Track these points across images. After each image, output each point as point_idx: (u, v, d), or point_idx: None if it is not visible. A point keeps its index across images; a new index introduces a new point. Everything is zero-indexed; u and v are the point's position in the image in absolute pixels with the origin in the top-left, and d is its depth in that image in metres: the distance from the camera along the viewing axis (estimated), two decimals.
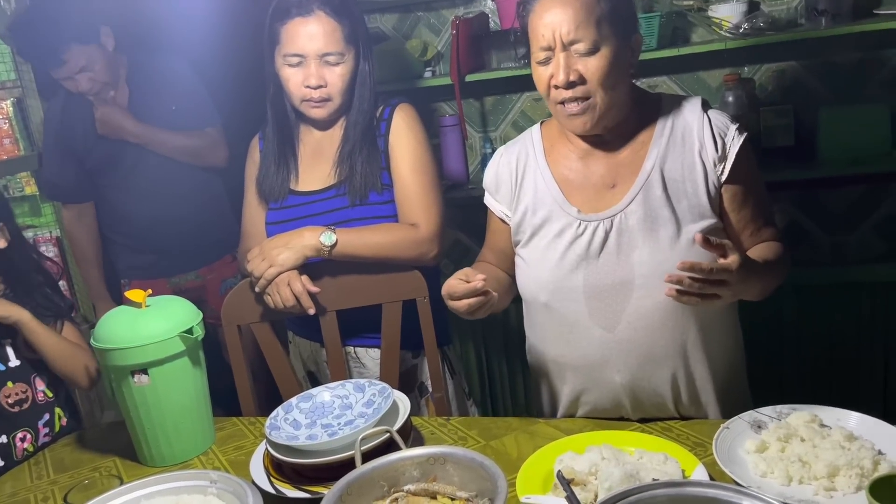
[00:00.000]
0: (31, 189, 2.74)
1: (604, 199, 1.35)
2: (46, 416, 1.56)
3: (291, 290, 1.53)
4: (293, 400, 1.39)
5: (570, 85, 1.27)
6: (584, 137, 1.38)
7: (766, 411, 1.22)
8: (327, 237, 1.53)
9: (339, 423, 1.34)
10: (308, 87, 1.56)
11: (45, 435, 1.56)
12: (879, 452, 1.08)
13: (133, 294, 1.41)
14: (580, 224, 1.34)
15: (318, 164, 1.64)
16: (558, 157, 1.41)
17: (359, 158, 1.59)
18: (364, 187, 1.58)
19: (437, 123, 2.41)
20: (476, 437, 1.35)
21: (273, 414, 1.34)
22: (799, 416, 1.18)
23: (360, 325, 1.65)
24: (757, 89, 2.25)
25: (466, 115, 2.45)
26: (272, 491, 1.23)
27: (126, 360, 1.36)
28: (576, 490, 1.08)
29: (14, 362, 1.56)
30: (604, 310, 1.33)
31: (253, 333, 1.64)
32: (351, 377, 1.64)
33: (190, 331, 1.39)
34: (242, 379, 1.63)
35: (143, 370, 1.37)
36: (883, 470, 1.03)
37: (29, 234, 2.46)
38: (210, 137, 2.21)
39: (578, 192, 1.37)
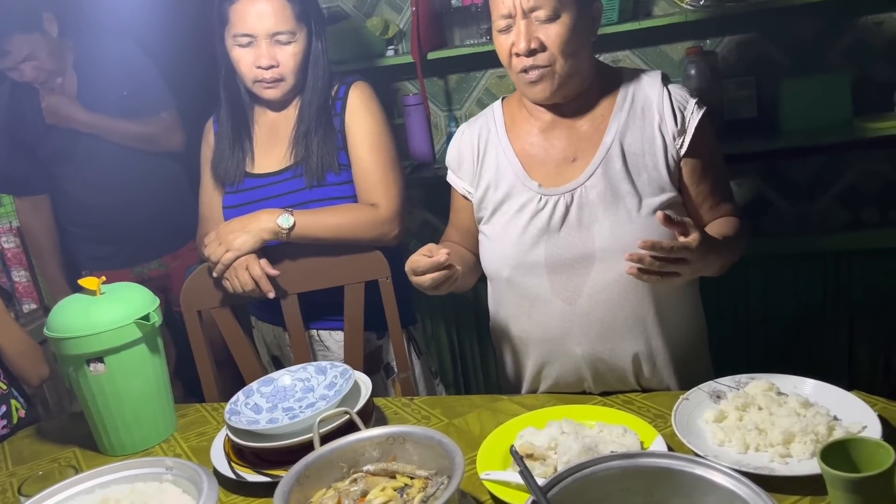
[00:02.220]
0: None
1: (564, 173, 1.35)
2: (3, 409, 1.54)
3: (250, 273, 1.51)
4: (254, 384, 1.37)
5: (530, 52, 1.27)
6: (545, 110, 1.37)
7: (726, 381, 1.23)
8: (285, 220, 1.51)
9: (300, 407, 1.33)
10: (259, 67, 1.53)
11: (3, 427, 1.53)
12: (835, 418, 1.09)
13: (87, 281, 1.38)
14: (541, 198, 1.34)
15: (273, 145, 1.62)
16: (519, 132, 1.41)
17: (314, 139, 1.56)
18: (321, 168, 1.56)
19: (401, 103, 2.39)
20: (439, 416, 1.35)
21: (233, 399, 1.32)
22: (757, 385, 1.19)
23: (323, 307, 1.63)
24: (719, 62, 2.25)
25: (430, 93, 2.43)
26: (232, 476, 1.22)
27: (81, 349, 1.33)
28: (535, 465, 1.09)
29: None
30: (565, 283, 1.33)
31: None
32: (315, 360, 1.63)
33: (146, 317, 1.37)
34: (204, 365, 1.61)
35: (99, 358, 1.34)
36: (837, 435, 1.04)
37: None
38: (164, 122, 2.16)
39: (539, 166, 1.37)
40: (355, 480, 1.07)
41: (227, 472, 1.22)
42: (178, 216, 2.21)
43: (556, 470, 1.06)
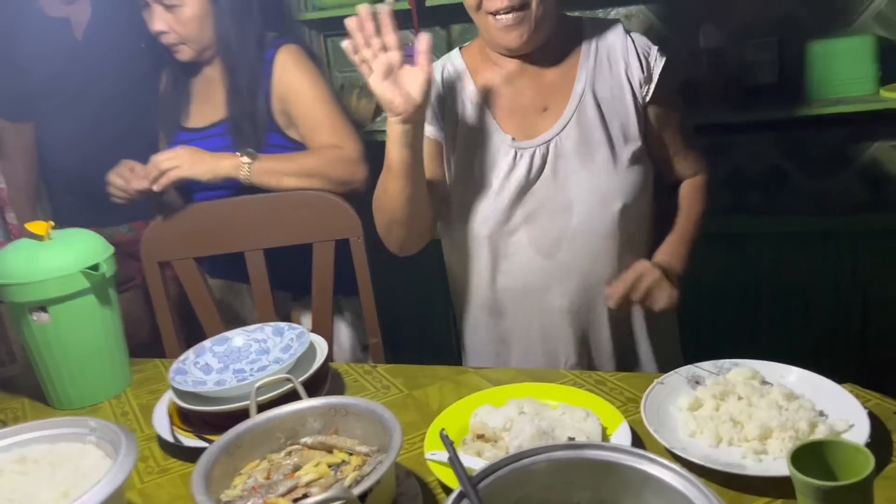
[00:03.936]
0: None
1: (536, 124, 1.29)
2: None
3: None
4: (207, 342, 1.30)
5: None
6: (510, 59, 1.30)
7: (706, 366, 1.12)
8: (247, 158, 1.47)
9: (252, 369, 1.26)
10: (156, 31, 1.51)
11: None
12: (820, 413, 0.99)
13: (35, 226, 1.31)
14: (516, 153, 1.28)
15: (206, 100, 1.58)
16: (483, 81, 1.33)
17: (237, 101, 1.53)
18: (252, 131, 1.52)
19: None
20: (400, 387, 1.26)
21: (182, 357, 1.25)
22: (739, 372, 1.08)
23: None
24: (743, 21, 2.09)
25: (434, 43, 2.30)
26: (171, 440, 1.15)
27: (24, 297, 1.26)
28: (485, 447, 1.00)
29: None
30: (543, 236, 1.30)
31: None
32: None
33: (95, 267, 1.29)
34: (164, 318, 1.54)
35: (43, 308, 1.27)
36: (820, 433, 0.94)
37: None
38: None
39: (509, 117, 1.31)
40: (290, 453, 0.99)
41: (167, 435, 1.15)
42: None
43: (507, 453, 0.97)
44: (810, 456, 0.78)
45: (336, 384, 1.28)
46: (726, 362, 1.12)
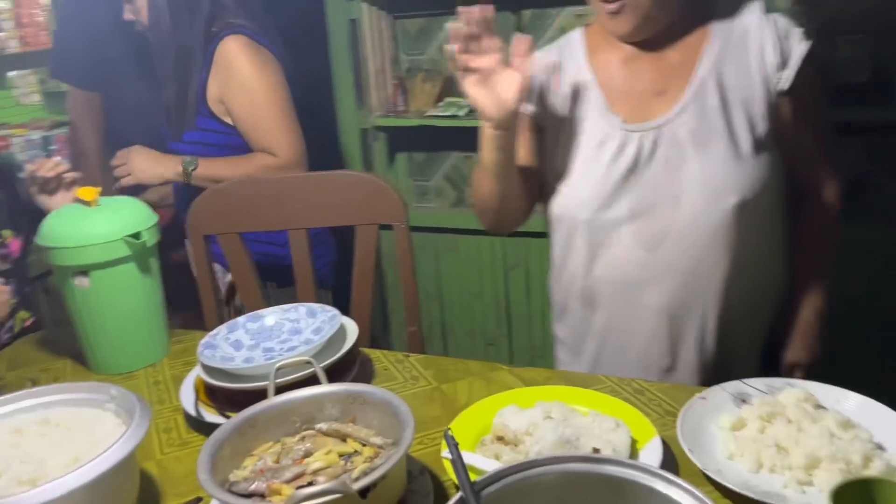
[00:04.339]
0: None
1: (650, 107, 1.21)
2: (10, 324, 1.52)
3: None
4: (241, 318, 1.29)
5: None
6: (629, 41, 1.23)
7: (756, 383, 1.04)
8: (189, 163, 1.59)
9: (281, 349, 1.23)
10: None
11: (6, 332, 1.52)
12: (878, 447, 0.89)
13: (84, 192, 1.32)
14: (625, 135, 1.20)
15: None
16: (600, 62, 1.26)
17: (171, 87, 1.62)
18: (179, 115, 1.62)
19: None
20: (429, 378, 1.22)
21: (214, 331, 1.24)
22: (791, 394, 0.99)
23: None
24: (835, 13, 1.94)
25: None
26: (194, 413, 1.14)
27: (66, 261, 1.28)
28: (504, 450, 0.95)
29: None
30: (647, 229, 1.20)
31: None
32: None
33: (137, 235, 1.29)
34: (206, 291, 1.54)
35: (84, 272, 1.28)
36: (875, 468, 0.85)
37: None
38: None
39: (623, 99, 1.23)
40: (304, 438, 0.96)
41: (190, 409, 1.15)
42: None
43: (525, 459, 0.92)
44: (858, 494, 0.69)
45: (365, 371, 1.25)
46: (778, 381, 1.03)
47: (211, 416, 1.12)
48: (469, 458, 0.94)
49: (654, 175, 1.19)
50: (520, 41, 1.12)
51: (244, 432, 0.95)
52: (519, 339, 2.59)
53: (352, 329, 1.23)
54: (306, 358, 1.06)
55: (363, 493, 0.79)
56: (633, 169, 1.20)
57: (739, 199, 1.16)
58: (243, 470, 0.91)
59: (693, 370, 1.27)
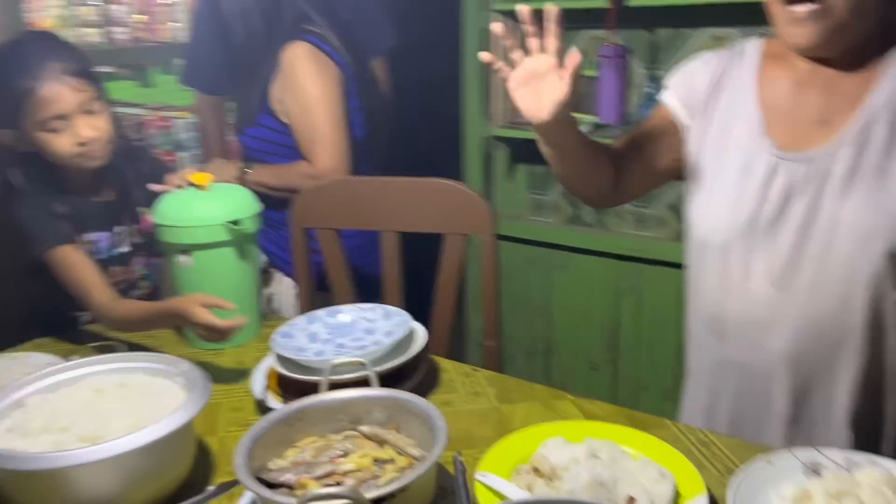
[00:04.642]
0: None
1: (809, 137, 1.11)
2: (136, 293, 1.65)
3: None
4: (321, 311, 1.33)
5: None
6: (805, 59, 1.13)
7: (833, 454, 0.94)
8: (245, 169, 1.71)
9: (353, 346, 1.26)
10: None
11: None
12: None
13: (197, 177, 1.42)
14: (775, 162, 1.12)
15: None
16: (767, 78, 1.17)
17: (240, 90, 1.74)
18: (243, 118, 1.76)
19: (597, 52, 2.16)
20: (490, 397, 1.21)
21: (292, 321, 1.30)
22: (871, 473, 0.89)
23: None
24: None
25: (633, 45, 2.17)
26: (260, 398, 1.19)
27: (173, 238, 1.38)
28: (538, 482, 0.92)
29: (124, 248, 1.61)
30: (783, 265, 1.11)
31: None
32: None
33: (237, 222, 1.37)
34: (304, 281, 1.61)
35: (187, 251, 1.38)
36: None
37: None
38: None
39: (781, 123, 1.14)
40: (346, 438, 0.98)
41: (257, 393, 1.20)
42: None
43: (557, 495, 0.89)
44: None
45: (429, 379, 1.25)
46: (859, 456, 0.93)
47: (275, 402, 1.17)
48: (499, 484, 0.92)
49: (798, 209, 1.10)
50: (573, 55, 1.05)
51: (291, 423, 0.98)
52: (625, 367, 2.49)
53: (420, 336, 1.24)
54: (361, 359, 1.08)
55: (377, 502, 0.79)
56: (777, 199, 1.11)
57: (891, 247, 1.05)
58: (283, 459, 0.95)
59: (820, 429, 1.16)
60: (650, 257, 2.27)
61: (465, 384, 1.25)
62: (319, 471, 0.91)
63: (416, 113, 2.48)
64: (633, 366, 2.45)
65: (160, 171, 1.61)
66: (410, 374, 1.19)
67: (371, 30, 2.21)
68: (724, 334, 1.20)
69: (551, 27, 1.05)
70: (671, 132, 1.25)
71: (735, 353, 1.19)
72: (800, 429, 1.15)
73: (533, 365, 2.66)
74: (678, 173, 1.26)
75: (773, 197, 1.11)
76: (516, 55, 1.08)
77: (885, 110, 1.06)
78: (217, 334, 1.23)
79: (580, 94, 1.09)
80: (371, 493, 0.78)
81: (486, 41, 2.29)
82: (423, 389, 1.21)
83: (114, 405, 1.02)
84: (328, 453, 0.94)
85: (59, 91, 1.39)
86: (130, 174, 1.55)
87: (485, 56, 1.10)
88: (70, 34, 3.13)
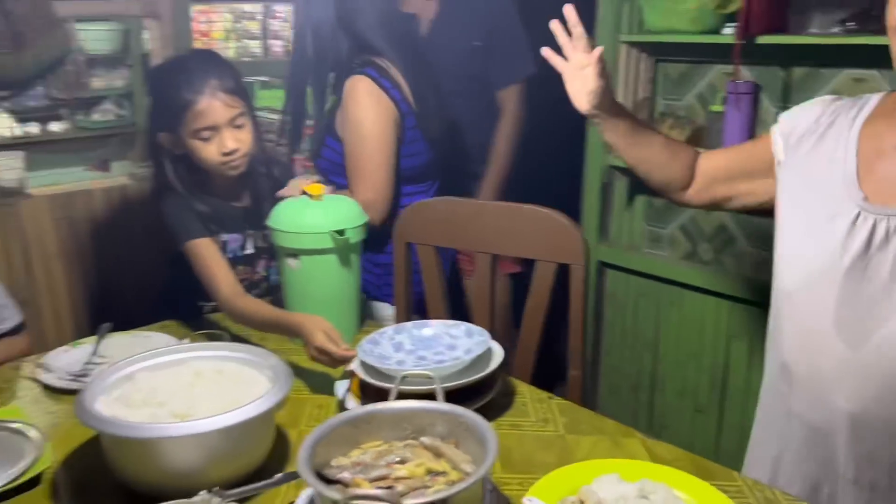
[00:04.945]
0: None
1: None
2: (255, 291, 1.79)
3: None
4: (409, 324, 1.40)
5: None
6: None
7: None
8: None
9: (433, 359, 1.32)
10: None
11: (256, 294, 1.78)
12: None
13: (312, 187, 1.53)
14: (860, 214, 1.10)
15: None
16: (873, 131, 1.15)
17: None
18: (314, 144, 1.87)
19: (726, 88, 2.10)
20: (558, 426, 1.22)
21: (382, 330, 1.37)
22: None
23: None
24: None
25: (765, 82, 2.09)
26: (340, 398, 1.27)
27: (283, 243, 1.50)
28: None
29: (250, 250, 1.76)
30: (854, 323, 1.09)
31: None
32: None
33: (342, 231, 1.47)
34: (401, 292, 1.68)
35: (295, 255, 1.49)
36: None
37: None
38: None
39: (875, 177, 1.12)
40: (407, 446, 1.04)
41: (339, 393, 1.28)
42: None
43: None
44: None
45: (501, 401, 1.28)
46: None
47: (353, 405, 1.24)
48: None
49: (879, 266, 1.07)
50: (595, 50, 1.25)
51: (358, 425, 1.04)
52: (732, 413, 2.39)
53: (496, 357, 1.27)
54: (429, 372, 1.13)
55: None
56: (857, 252, 1.09)
57: None
58: (347, 458, 1.01)
59: (887, 495, 1.11)
60: (763, 301, 2.17)
61: (538, 410, 1.27)
62: (374, 473, 0.96)
63: (542, 139, 2.52)
64: (739, 412, 2.34)
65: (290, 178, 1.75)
66: (482, 393, 1.22)
67: (510, 58, 2.25)
68: (793, 385, 1.18)
69: (575, 26, 1.25)
70: (762, 160, 1.28)
71: (800, 407, 1.16)
72: (869, 494, 1.10)
73: (637, 400, 2.61)
74: (747, 201, 1.32)
75: (853, 249, 1.08)
76: (567, 51, 1.27)
77: None
78: (327, 360, 1.30)
79: (612, 87, 1.29)
80: (410, 501, 0.83)
81: (615, 71, 2.28)
82: (495, 410, 1.25)
83: (207, 388, 1.13)
84: (387, 458, 1.00)
85: (212, 105, 1.55)
86: (266, 185, 1.69)
87: (545, 52, 1.28)
88: (235, 45, 3.45)
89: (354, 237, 1.50)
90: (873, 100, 1.19)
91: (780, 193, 1.22)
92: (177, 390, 1.11)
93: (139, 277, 2.48)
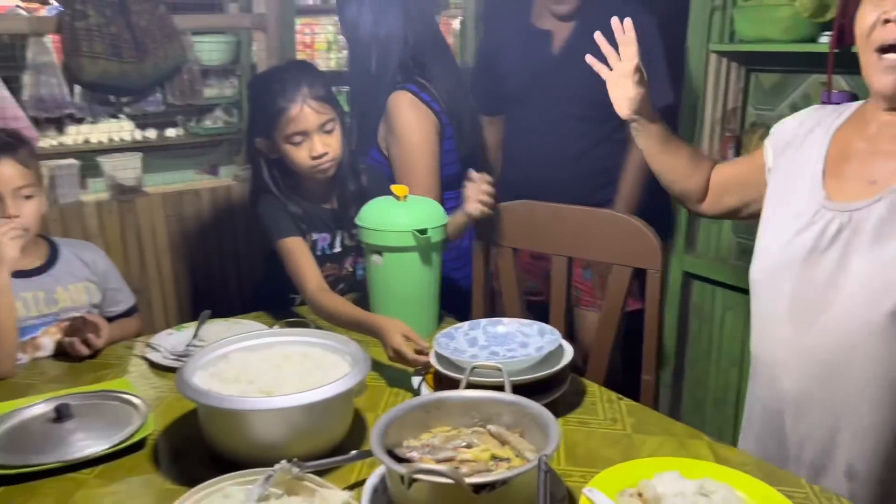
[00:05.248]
0: None
1: (856, 192, 1.16)
2: (341, 286, 1.88)
3: None
4: (483, 321, 1.45)
5: None
6: (886, 111, 1.17)
7: None
8: None
9: (505, 355, 1.36)
10: None
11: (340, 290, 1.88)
12: None
13: (397, 188, 1.61)
14: (819, 211, 1.19)
15: None
16: (843, 135, 1.23)
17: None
18: (359, 144, 1.94)
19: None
20: (626, 425, 1.24)
21: (457, 325, 1.43)
22: None
23: None
24: None
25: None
26: (414, 387, 1.34)
27: (368, 239, 1.58)
28: None
29: (337, 249, 1.85)
30: (804, 310, 1.19)
31: None
32: None
33: (423, 231, 1.54)
34: (478, 291, 1.74)
35: (379, 252, 1.57)
36: None
37: None
38: None
39: (838, 177, 1.21)
40: (474, 432, 1.09)
41: (415, 383, 1.35)
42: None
43: None
44: None
45: (571, 398, 1.31)
46: None
47: (427, 391, 1.31)
48: (602, 500, 0.97)
49: (827, 258, 1.16)
50: (633, 62, 1.34)
51: (429, 410, 1.11)
52: None
53: (567, 354, 1.31)
54: (498, 364, 1.17)
55: (477, 489, 0.89)
56: (811, 248, 1.18)
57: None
58: (417, 440, 1.08)
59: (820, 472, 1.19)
60: None
61: (606, 409, 1.29)
62: (441, 454, 1.02)
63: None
64: None
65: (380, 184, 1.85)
66: (550, 388, 1.26)
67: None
68: (755, 370, 1.30)
69: (625, 36, 1.35)
70: (759, 169, 1.34)
71: (760, 391, 1.28)
72: (809, 471, 1.20)
73: (721, 414, 2.56)
74: (755, 210, 1.35)
75: (808, 242, 1.17)
76: (612, 61, 1.36)
77: None
78: (404, 362, 1.36)
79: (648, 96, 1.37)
80: (472, 479, 0.88)
81: (704, 81, 2.27)
82: (565, 407, 1.28)
83: (293, 370, 1.22)
84: (454, 442, 1.06)
85: (303, 111, 1.66)
86: (353, 189, 1.79)
87: (589, 59, 1.39)
88: (336, 56, 3.61)
89: (436, 237, 1.56)
90: (852, 107, 1.26)
91: (766, 197, 1.30)
92: (266, 370, 1.20)
93: (238, 271, 2.65)
